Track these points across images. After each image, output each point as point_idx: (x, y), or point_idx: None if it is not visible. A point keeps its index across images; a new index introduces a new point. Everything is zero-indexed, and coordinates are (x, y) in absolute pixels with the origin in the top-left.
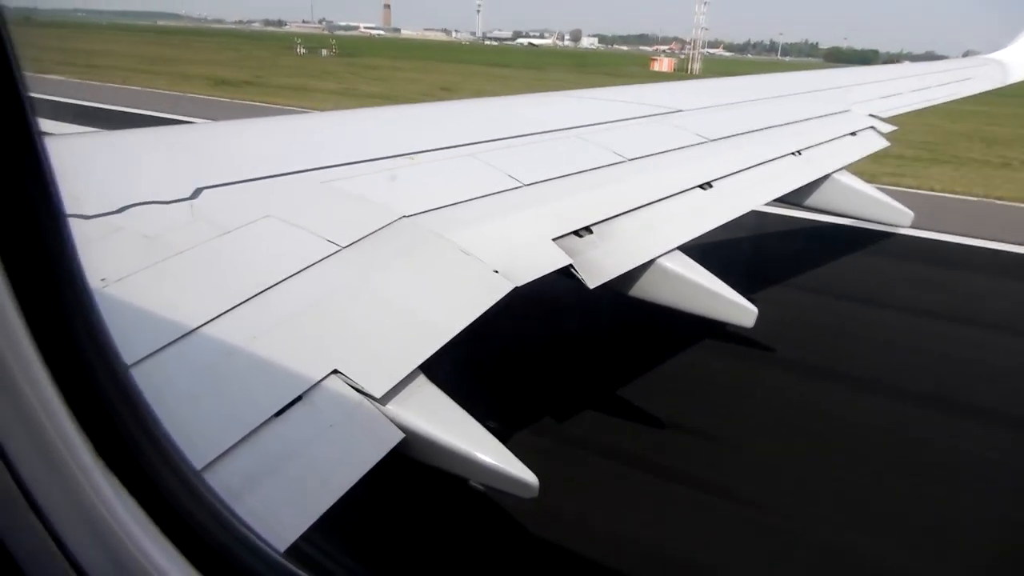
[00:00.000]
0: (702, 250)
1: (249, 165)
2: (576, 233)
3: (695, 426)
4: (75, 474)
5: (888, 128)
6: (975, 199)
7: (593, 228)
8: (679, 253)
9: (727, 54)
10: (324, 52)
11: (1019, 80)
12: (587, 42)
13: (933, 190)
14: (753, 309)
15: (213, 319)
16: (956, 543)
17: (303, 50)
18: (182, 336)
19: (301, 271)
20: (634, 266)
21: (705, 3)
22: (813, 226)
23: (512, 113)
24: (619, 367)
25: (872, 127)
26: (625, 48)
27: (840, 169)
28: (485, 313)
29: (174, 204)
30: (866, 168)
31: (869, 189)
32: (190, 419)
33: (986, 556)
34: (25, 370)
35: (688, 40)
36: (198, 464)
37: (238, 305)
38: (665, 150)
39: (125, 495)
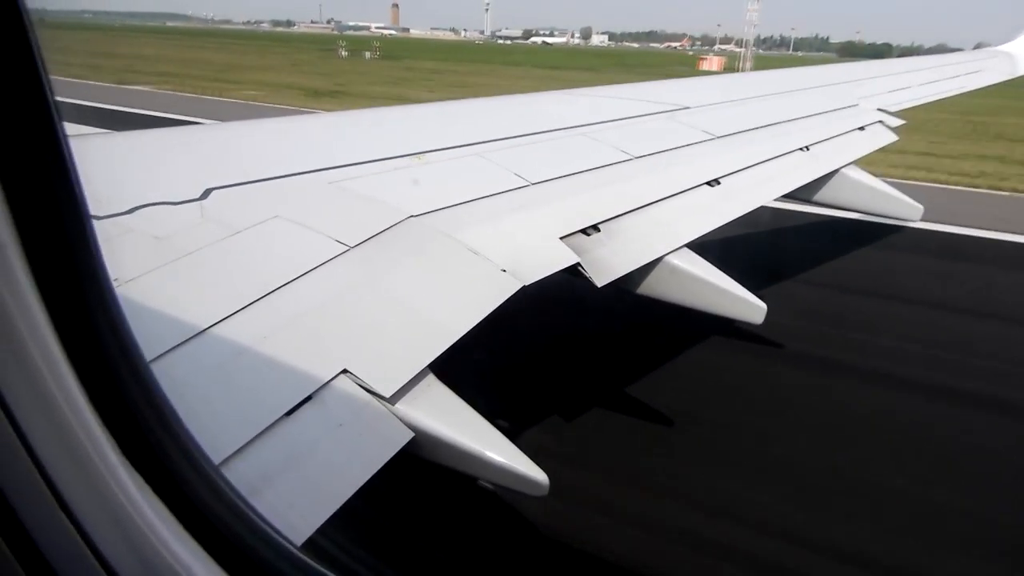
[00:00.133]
0: (710, 247)
1: (258, 166)
2: (584, 231)
3: (699, 422)
4: (101, 473)
5: (896, 122)
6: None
7: (601, 226)
8: (687, 250)
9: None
10: (367, 55)
11: None
12: (597, 40)
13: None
14: (762, 306)
15: (223, 319)
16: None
17: (345, 52)
18: (193, 336)
19: (310, 271)
20: (642, 264)
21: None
22: (822, 220)
23: (519, 112)
24: (627, 365)
25: (880, 121)
26: (636, 45)
27: (849, 164)
28: (494, 312)
29: (184, 205)
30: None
31: (878, 184)
32: (201, 419)
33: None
34: (53, 372)
35: (726, 38)
36: None
37: (248, 305)
38: (672, 147)
39: (149, 492)
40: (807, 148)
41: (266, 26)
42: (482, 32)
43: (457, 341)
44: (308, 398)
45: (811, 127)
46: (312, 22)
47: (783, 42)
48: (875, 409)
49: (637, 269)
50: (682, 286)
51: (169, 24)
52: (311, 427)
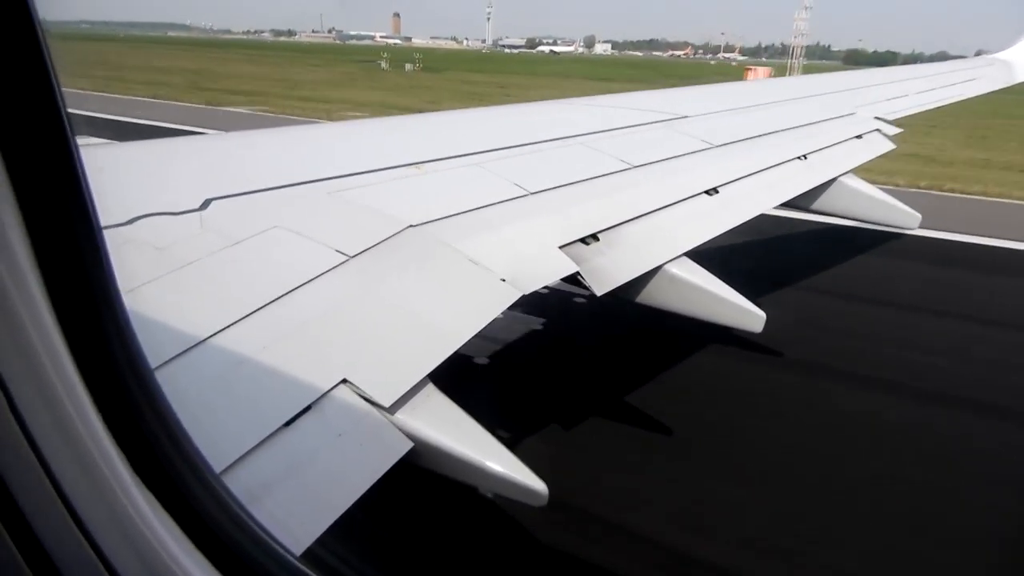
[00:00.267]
0: (709, 255)
1: (257, 176)
2: (583, 240)
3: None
4: (109, 482)
5: (894, 130)
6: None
7: (600, 235)
8: (686, 259)
9: (741, 57)
10: (408, 67)
11: None
12: (600, 48)
13: None
14: (761, 314)
15: (223, 329)
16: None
17: (385, 64)
18: (193, 346)
19: (309, 281)
20: (641, 273)
21: (807, 8)
22: (820, 228)
23: (518, 121)
24: (625, 373)
25: (878, 129)
26: (639, 54)
27: (846, 172)
28: (493, 321)
29: (184, 215)
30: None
31: (876, 192)
32: (201, 428)
33: None
34: (63, 381)
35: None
36: None
37: (248, 315)
38: (671, 156)
39: (152, 500)
40: (805, 157)
41: (267, 36)
42: (483, 41)
43: (456, 350)
44: (308, 407)
45: (809, 136)
46: (313, 32)
47: (784, 50)
48: (875, 415)
49: (636, 278)
50: (681, 295)
51: (171, 34)
52: (311, 436)
